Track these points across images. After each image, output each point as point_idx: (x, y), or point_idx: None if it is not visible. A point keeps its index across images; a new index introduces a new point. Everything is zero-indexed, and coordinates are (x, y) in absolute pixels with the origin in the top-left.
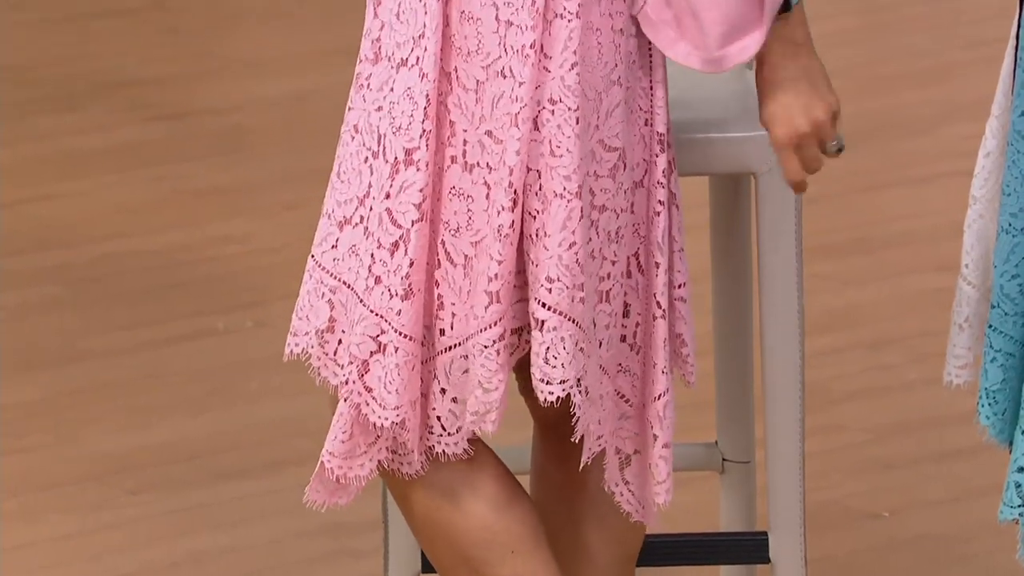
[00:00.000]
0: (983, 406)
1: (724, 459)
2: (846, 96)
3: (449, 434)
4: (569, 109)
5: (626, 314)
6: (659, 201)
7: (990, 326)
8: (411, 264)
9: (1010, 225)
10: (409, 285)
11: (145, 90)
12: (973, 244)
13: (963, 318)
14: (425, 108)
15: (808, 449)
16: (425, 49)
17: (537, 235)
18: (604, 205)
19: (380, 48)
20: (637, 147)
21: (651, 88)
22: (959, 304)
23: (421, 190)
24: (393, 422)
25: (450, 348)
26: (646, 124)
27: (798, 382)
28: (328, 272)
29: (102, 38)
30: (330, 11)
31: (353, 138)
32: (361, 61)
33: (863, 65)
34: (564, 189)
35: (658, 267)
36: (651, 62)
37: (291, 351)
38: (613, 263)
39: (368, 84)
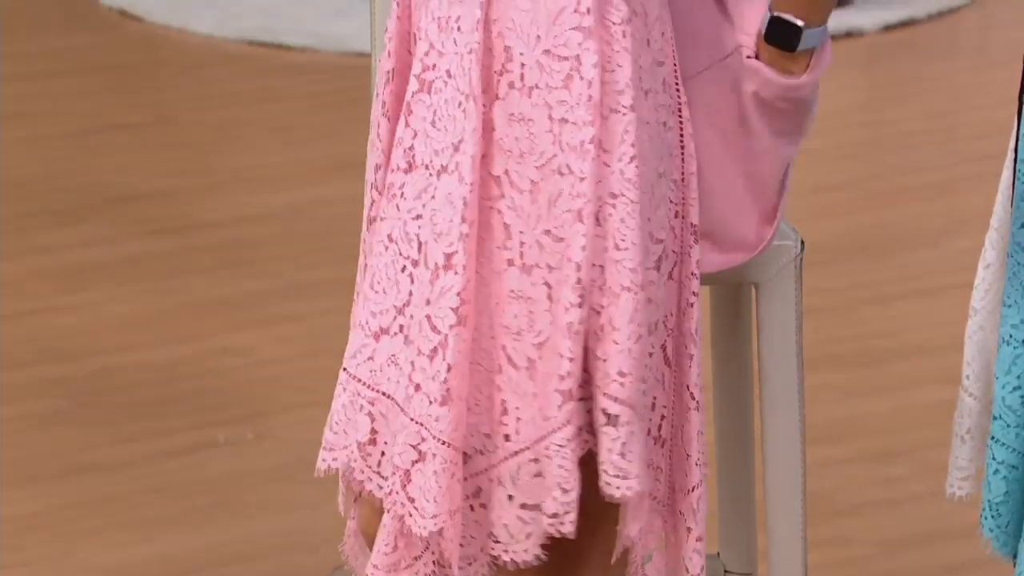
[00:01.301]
0: (986, 519)
1: (726, 571)
2: (849, 209)
3: (518, 541)
4: (632, 202)
5: (652, 407)
6: (692, 292)
7: (992, 438)
8: (448, 369)
9: (1011, 336)
10: (447, 390)
11: (147, 204)
12: (974, 355)
13: (965, 429)
14: (463, 212)
15: (813, 561)
16: (465, 154)
17: (604, 330)
18: (650, 298)
19: (414, 157)
20: (670, 238)
21: (684, 180)
22: (960, 415)
23: (459, 294)
24: (431, 531)
25: (517, 453)
26: (676, 216)
27: (800, 493)
28: (365, 384)
29: (105, 153)
30: (330, 125)
31: (387, 248)
32: (393, 171)
33: (866, 179)
34: (631, 282)
35: (691, 359)
36: (683, 154)
37: (328, 466)
38: (650, 355)
39: (402, 193)
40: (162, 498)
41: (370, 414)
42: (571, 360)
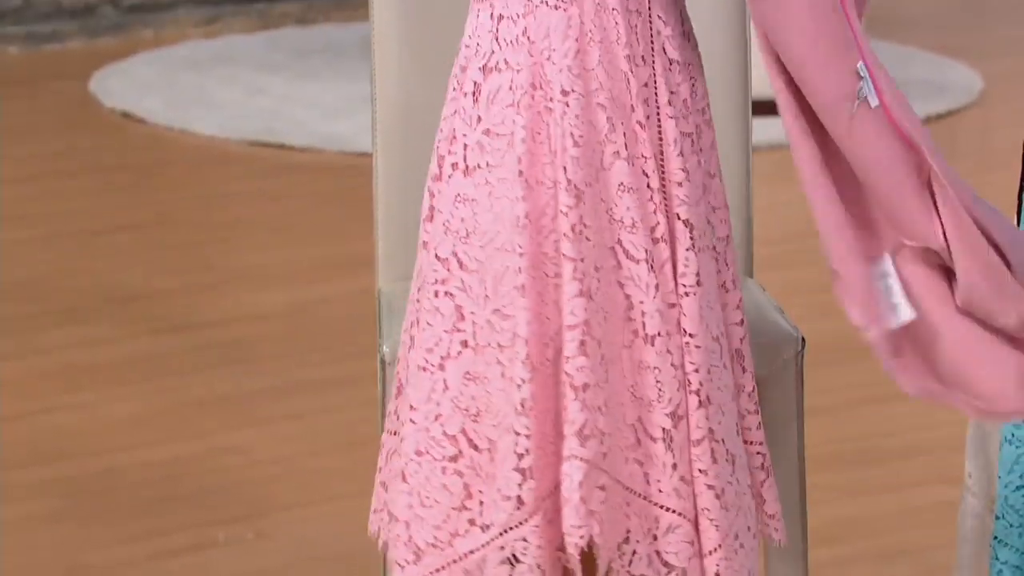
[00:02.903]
0: None
1: None
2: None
3: None
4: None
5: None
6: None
7: (995, 538)
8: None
9: (1013, 435)
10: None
11: (149, 303)
12: (976, 455)
13: (967, 529)
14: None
15: None
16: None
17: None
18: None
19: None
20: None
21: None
22: (963, 515)
23: None
24: None
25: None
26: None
27: None
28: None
29: (107, 253)
30: (332, 223)
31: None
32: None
33: None
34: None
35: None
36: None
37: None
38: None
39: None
40: None
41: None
42: (527, 437)
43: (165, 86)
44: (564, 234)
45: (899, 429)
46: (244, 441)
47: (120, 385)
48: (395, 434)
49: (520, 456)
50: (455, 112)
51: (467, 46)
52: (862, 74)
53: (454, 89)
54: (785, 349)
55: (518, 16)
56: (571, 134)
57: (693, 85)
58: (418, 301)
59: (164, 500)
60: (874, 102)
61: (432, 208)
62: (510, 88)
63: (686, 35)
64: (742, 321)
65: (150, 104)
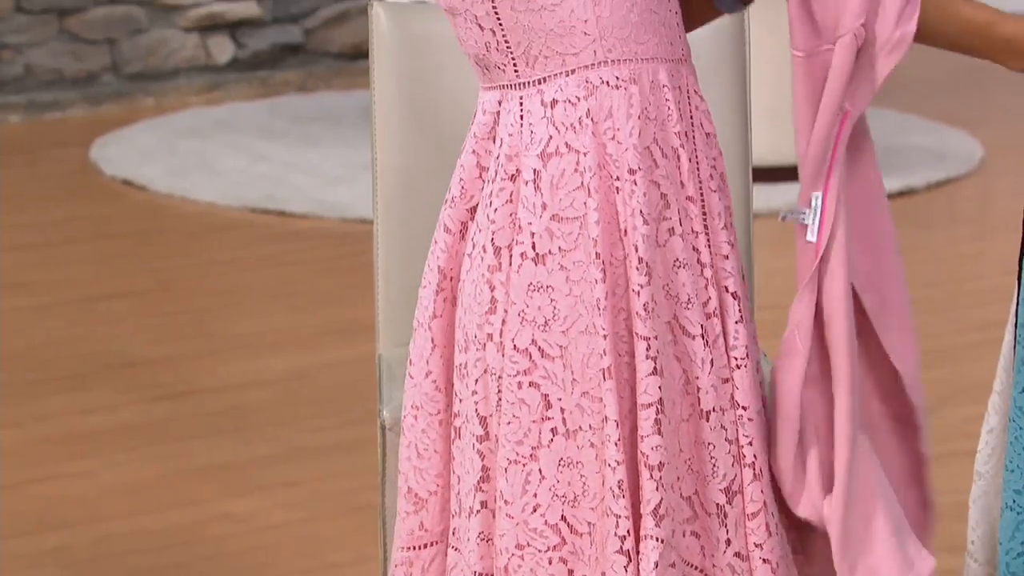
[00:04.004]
0: None
1: None
2: None
3: None
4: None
5: None
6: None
7: None
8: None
9: (1014, 502)
10: None
11: (148, 370)
12: (978, 520)
13: None
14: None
15: None
16: None
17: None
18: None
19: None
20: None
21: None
22: None
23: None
24: None
25: None
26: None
27: None
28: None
29: (107, 320)
30: (332, 290)
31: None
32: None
33: None
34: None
35: None
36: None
37: None
38: None
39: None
40: None
41: None
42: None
43: (166, 153)
44: (636, 312)
45: None
46: (243, 509)
47: (119, 452)
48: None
49: (622, 539)
50: (509, 200)
51: (511, 134)
52: (814, 204)
53: (502, 179)
54: None
55: (578, 99)
56: (640, 212)
57: (719, 158)
58: (481, 393)
59: (163, 569)
60: (811, 237)
61: (495, 300)
62: (576, 171)
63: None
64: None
65: (151, 171)
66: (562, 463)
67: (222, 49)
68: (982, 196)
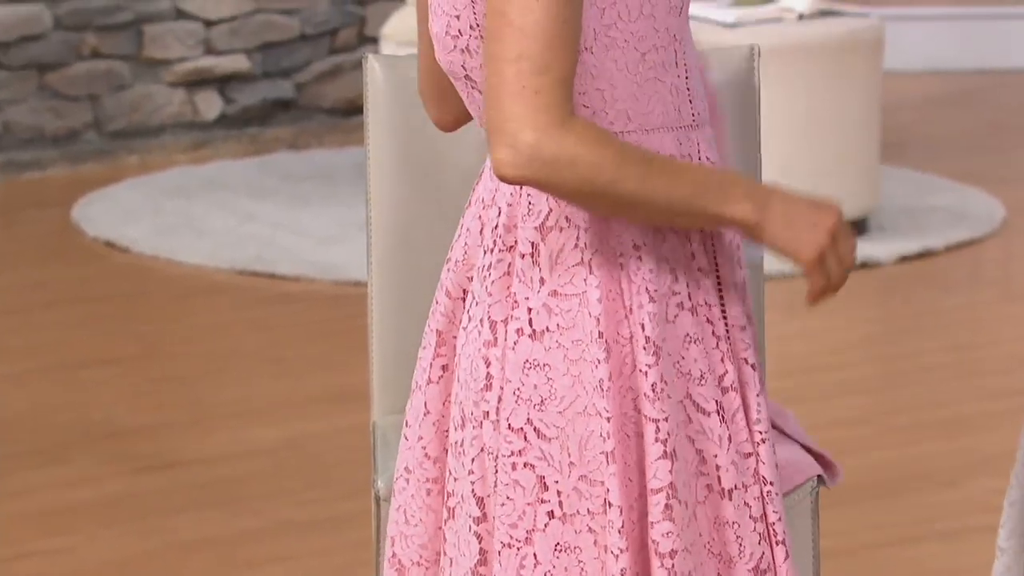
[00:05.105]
0: None
1: None
2: (866, 446)
3: None
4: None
5: None
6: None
7: None
8: None
9: None
10: None
11: (133, 440)
12: None
13: None
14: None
15: None
16: None
17: None
18: None
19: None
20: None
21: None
22: None
23: None
24: None
25: None
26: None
27: None
28: None
29: (88, 387)
30: (324, 355)
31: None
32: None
33: (884, 415)
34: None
35: None
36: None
37: None
38: None
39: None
40: None
41: None
42: None
43: (151, 213)
44: (644, 393)
45: (919, 572)
46: None
47: (101, 528)
48: None
49: None
50: (507, 273)
51: (510, 204)
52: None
53: (500, 250)
54: (800, 486)
55: None
56: (646, 289)
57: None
58: (478, 476)
59: None
60: None
61: (490, 376)
62: (576, 246)
63: None
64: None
65: (135, 232)
66: (558, 548)
67: (210, 105)
68: (1005, 258)
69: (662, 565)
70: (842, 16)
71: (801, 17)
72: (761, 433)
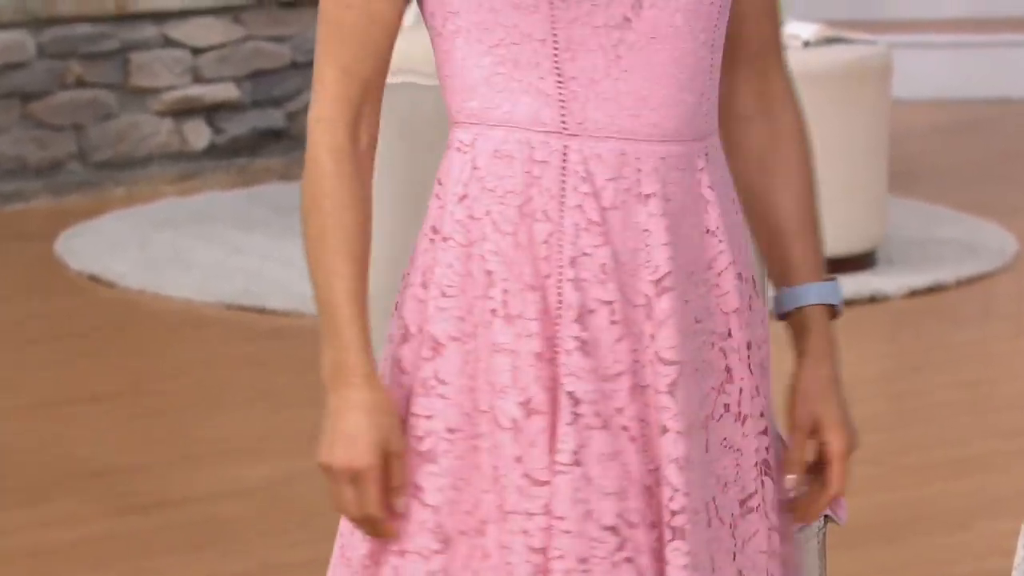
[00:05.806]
0: None
1: None
2: (875, 486)
3: None
4: None
5: None
6: None
7: None
8: None
9: None
10: None
11: (117, 479)
12: None
13: None
14: None
15: None
16: None
17: None
18: None
19: None
20: None
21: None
22: None
23: None
24: None
25: None
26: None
27: None
28: None
29: (73, 425)
30: (315, 391)
31: None
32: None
33: (892, 454)
34: None
35: None
36: None
37: None
38: None
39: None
40: None
41: None
42: None
43: (137, 246)
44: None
45: None
46: None
47: (85, 570)
48: None
49: None
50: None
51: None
52: None
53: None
54: (806, 527)
55: None
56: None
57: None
58: None
59: None
60: None
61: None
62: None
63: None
64: None
65: (120, 266)
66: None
67: (198, 135)
68: (1017, 292)
69: None
70: (849, 43)
71: (807, 44)
72: (563, 464)
